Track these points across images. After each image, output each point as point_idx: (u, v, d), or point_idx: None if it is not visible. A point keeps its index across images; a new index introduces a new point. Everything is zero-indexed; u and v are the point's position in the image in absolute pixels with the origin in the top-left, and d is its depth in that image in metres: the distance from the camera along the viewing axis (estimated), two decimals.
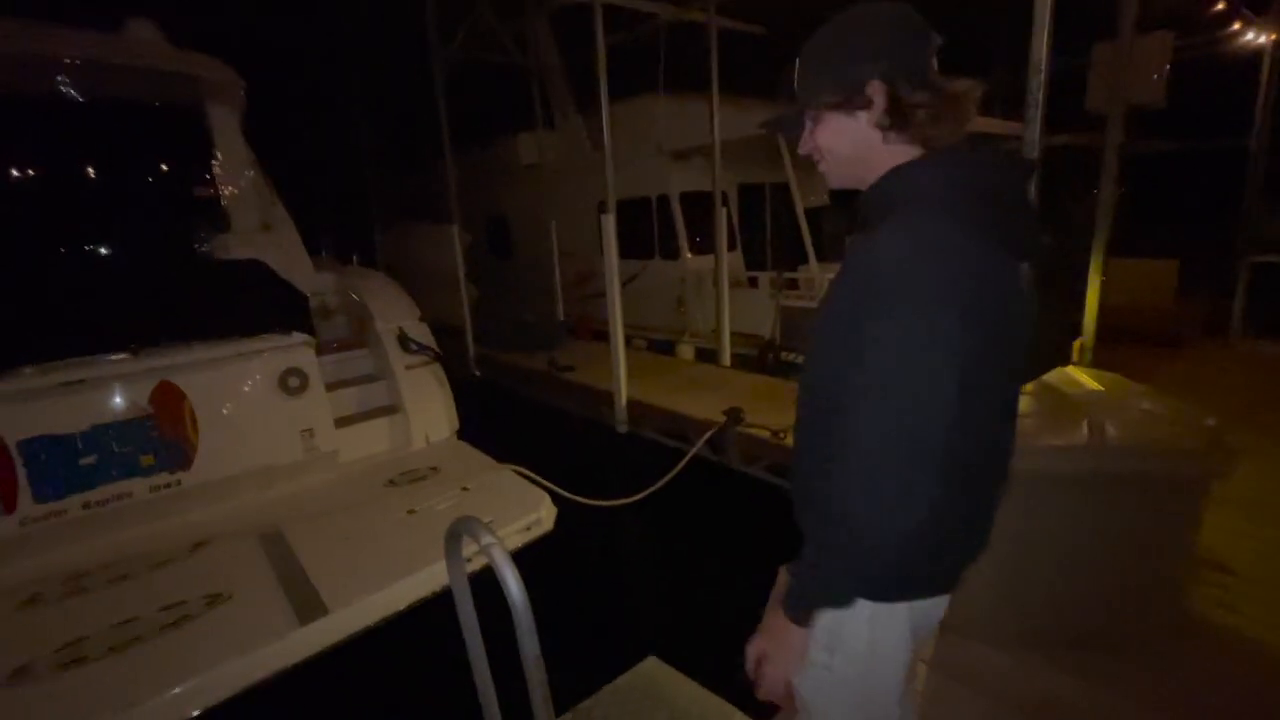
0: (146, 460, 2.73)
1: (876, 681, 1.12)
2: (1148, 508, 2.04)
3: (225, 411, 2.95)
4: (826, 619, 1.08)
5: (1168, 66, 3.63)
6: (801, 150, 1.10)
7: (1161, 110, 5.20)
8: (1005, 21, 7.86)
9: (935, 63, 0.97)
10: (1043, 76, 2.76)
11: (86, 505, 2.60)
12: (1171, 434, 2.06)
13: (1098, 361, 3.99)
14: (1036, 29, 2.66)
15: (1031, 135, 2.81)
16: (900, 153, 0.99)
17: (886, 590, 1.05)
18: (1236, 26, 6.37)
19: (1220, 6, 6.14)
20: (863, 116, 0.98)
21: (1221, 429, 2.06)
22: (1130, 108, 3.93)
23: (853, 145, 1.01)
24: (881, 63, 0.95)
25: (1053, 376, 2.74)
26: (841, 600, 1.01)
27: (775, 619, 1.06)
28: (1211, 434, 2.02)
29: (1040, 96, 2.79)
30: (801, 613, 1.02)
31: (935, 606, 1.12)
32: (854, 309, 0.93)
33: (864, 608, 1.05)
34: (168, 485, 2.79)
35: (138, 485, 2.72)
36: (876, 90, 0.96)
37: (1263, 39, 6.20)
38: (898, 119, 0.96)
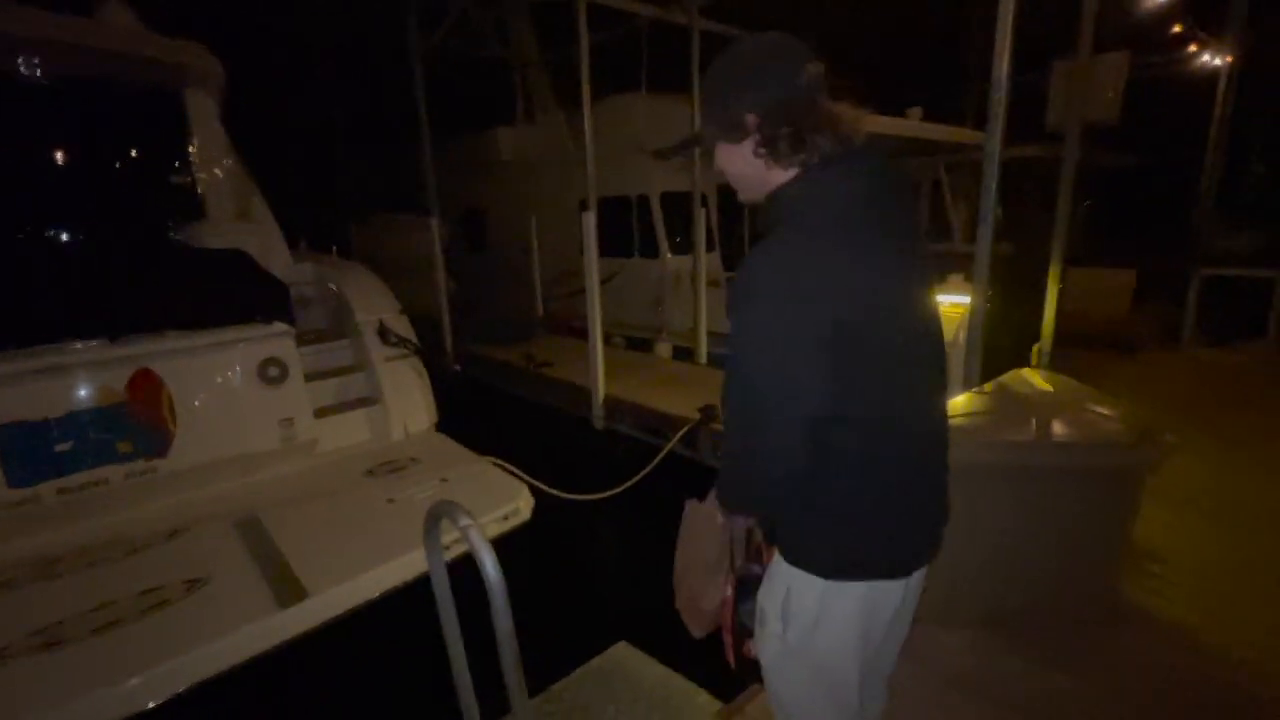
0: (124, 447, 2.73)
1: (826, 656, 1.20)
2: (1086, 498, 2.19)
3: (204, 399, 2.96)
4: (780, 594, 1.20)
5: (1123, 85, 3.84)
6: (717, 167, 1.22)
7: (1124, 126, 5.45)
8: (978, 40, 8.14)
9: (816, 90, 1.07)
10: (1003, 93, 2.91)
11: (62, 491, 2.59)
12: (1110, 430, 2.21)
13: (1055, 365, 4.19)
14: (998, 48, 2.81)
15: (992, 146, 2.96)
16: (781, 175, 1.10)
17: (826, 566, 1.15)
18: (1193, 49, 6.68)
19: (1177, 29, 6.44)
20: (746, 145, 1.11)
21: (1156, 426, 2.22)
22: (1087, 124, 4.13)
23: (742, 167, 1.14)
24: (753, 96, 1.07)
25: (1008, 378, 2.90)
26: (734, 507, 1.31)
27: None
28: (1145, 430, 2.18)
29: (1001, 110, 2.94)
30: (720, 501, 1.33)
31: (888, 592, 1.18)
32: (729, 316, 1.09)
33: (814, 584, 1.15)
34: (144, 472, 2.79)
35: (114, 472, 2.72)
36: (751, 123, 1.08)
37: (1218, 61, 6.52)
38: (768, 148, 1.08)
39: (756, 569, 1.47)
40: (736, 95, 1.09)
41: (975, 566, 2.31)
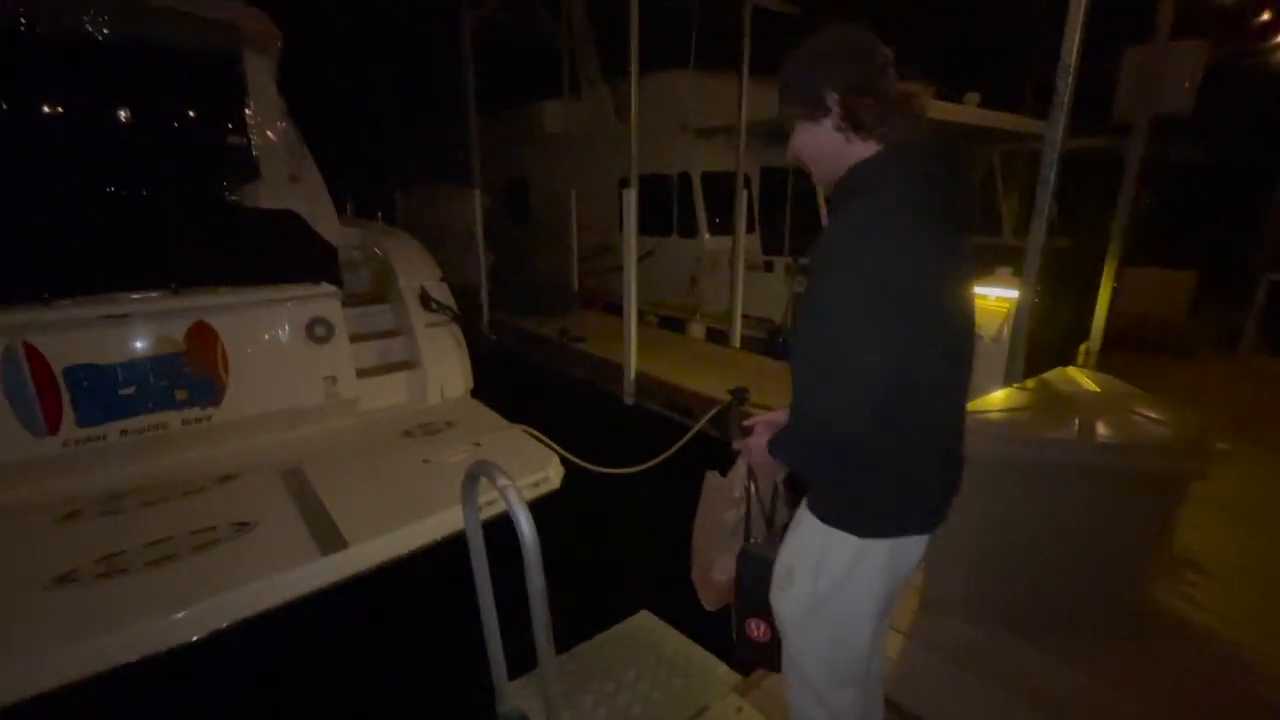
0: (180, 394, 2.88)
1: (849, 613, 1.30)
2: (1126, 502, 2.14)
3: (255, 354, 3.10)
4: (813, 552, 1.28)
5: (1200, 75, 3.64)
6: (787, 157, 1.30)
7: (1194, 119, 5.17)
8: (1045, 21, 7.75)
9: (889, 72, 1.17)
10: (1071, 79, 2.78)
11: (124, 432, 2.77)
12: (1157, 434, 2.14)
13: (1107, 366, 4.05)
14: (1068, 31, 2.69)
15: (1055, 136, 2.85)
16: (860, 150, 1.18)
17: (863, 525, 1.23)
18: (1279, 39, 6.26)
19: (1266, 17, 6.02)
20: (825, 123, 1.18)
21: (1207, 432, 2.14)
22: (1157, 115, 3.92)
23: (820, 147, 1.21)
24: (835, 78, 1.16)
25: (1051, 375, 2.83)
26: (789, 462, 1.34)
27: (761, 436, 1.35)
28: (1195, 436, 2.10)
29: (1067, 98, 2.82)
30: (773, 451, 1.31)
31: (914, 546, 1.30)
32: (811, 275, 1.15)
33: (850, 543, 1.24)
34: (199, 420, 2.95)
35: (172, 417, 2.88)
36: (833, 101, 1.15)
37: None
38: (851, 121, 1.15)
39: (766, 549, 1.50)
40: (819, 74, 1.18)
41: (1007, 563, 2.29)
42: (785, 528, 1.57)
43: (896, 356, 1.10)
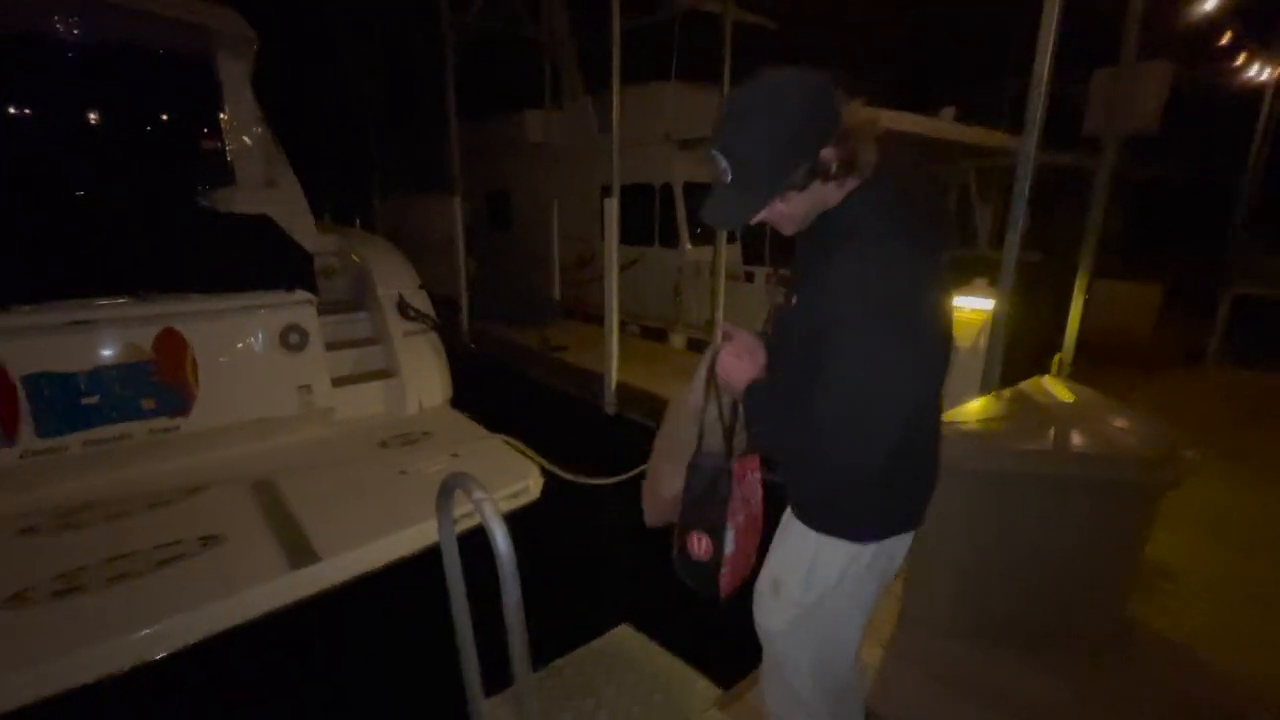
0: (147, 404, 2.79)
1: (842, 612, 1.33)
2: (1102, 513, 2.16)
3: (226, 362, 3.02)
4: (805, 562, 1.30)
5: (1166, 95, 3.78)
6: (754, 221, 1.18)
7: (1161, 137, 5.33)
8: (1019, 41, 7.95)
9: (840, 94, 1.08)
10: (1043, 93, 2.85)
11: (87, 443, 2.66)
12: (1131, 444, 2.17)
13: (1078, 377, 4.12)
14: (1040, 51, 2.75)
15: (1028, 150, 2.91)
16: (845, 185, 1.14)
17: (863, 533, 1.26)
18: (1241, 60, 6.48)
19: (1227, 38, 6.25)
20: (818, 181, 1.11)
21: (1179, 443, 2.18)
22: (1126, 133, 4.04)
23: (813, 201, 1.15)
24: (826, 132, 1.07)
25: (1027, 385, 2.86)
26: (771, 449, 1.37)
27: (740, 362, 1.36)
28: (1168, 447, 2.14)
29: (1039, 114, 2.88)
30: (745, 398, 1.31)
31: (902, 543, 1.33)
32: (826, 316, 1.09)
33: (843, 548, 1.26)
34: (166, 430, 2.85)
35: (137, 428, 2.78)
36: (830, 156, 1.09)
37: (1265, 75, 6.32)
38: (847, 165, 1.10)
39: (720, 461, 1.43)
40: (806, 142, 1.08)
41: (984, 575, 2.30)
42: (746, 441, 1.46)
43: (918, 388, 1.14)
